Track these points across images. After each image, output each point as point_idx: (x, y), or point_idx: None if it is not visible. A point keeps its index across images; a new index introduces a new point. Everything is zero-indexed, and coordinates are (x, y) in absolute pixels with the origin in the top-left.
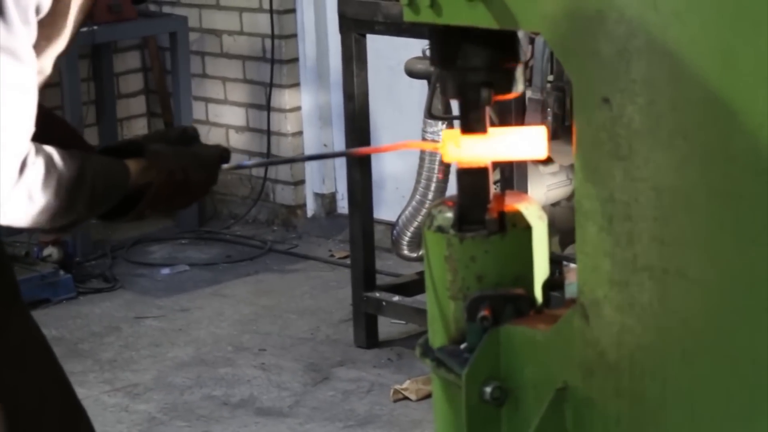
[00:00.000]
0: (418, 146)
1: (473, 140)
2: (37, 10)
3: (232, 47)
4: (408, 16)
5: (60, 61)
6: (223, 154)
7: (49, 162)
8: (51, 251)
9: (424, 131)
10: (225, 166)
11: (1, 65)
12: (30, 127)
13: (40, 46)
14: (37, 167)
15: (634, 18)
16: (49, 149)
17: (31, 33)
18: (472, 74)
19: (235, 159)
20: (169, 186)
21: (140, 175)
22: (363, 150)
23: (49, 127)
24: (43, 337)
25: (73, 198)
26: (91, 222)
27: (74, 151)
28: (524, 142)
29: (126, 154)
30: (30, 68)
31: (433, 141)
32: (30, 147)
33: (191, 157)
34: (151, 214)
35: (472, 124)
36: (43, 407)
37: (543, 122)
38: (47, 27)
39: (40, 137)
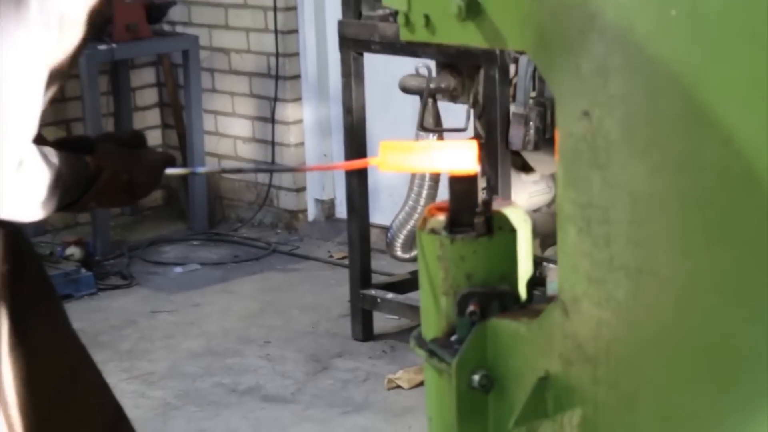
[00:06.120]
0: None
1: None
2: (62, 21)
3: (239, 64)
4: (404, 35)
5: (82, 77)
6: (167, 159)
7: (43, 158)
8: (73, 251)
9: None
10: (169, 170)
11: (11, 60)
12: (33, 125)
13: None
14: (34, 163)
15: (613, 38)
16: (36, 146)
17: (50, 37)
18: None
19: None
20: (114, 184)
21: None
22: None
23: None
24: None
25: (52, 193)
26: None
27: (49, 149)
28: (455, 154)
29: (77, 149)
30: (42, 67)
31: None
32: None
33: (136, 159)
34: (94, 207)
35: None
36: (76, 387)
37: (525, 134)
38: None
39: None
